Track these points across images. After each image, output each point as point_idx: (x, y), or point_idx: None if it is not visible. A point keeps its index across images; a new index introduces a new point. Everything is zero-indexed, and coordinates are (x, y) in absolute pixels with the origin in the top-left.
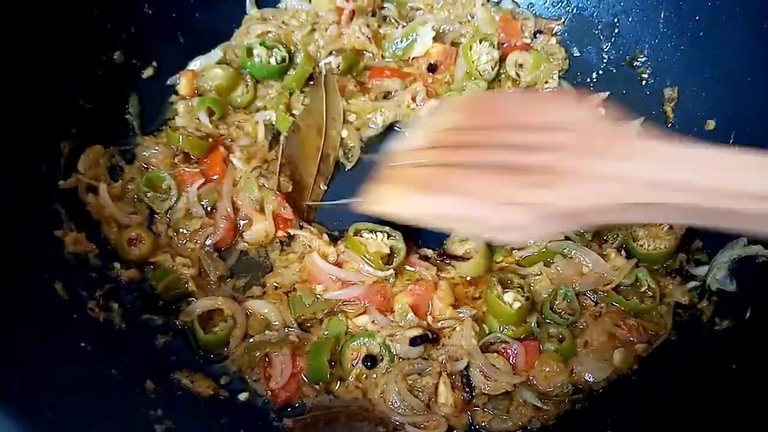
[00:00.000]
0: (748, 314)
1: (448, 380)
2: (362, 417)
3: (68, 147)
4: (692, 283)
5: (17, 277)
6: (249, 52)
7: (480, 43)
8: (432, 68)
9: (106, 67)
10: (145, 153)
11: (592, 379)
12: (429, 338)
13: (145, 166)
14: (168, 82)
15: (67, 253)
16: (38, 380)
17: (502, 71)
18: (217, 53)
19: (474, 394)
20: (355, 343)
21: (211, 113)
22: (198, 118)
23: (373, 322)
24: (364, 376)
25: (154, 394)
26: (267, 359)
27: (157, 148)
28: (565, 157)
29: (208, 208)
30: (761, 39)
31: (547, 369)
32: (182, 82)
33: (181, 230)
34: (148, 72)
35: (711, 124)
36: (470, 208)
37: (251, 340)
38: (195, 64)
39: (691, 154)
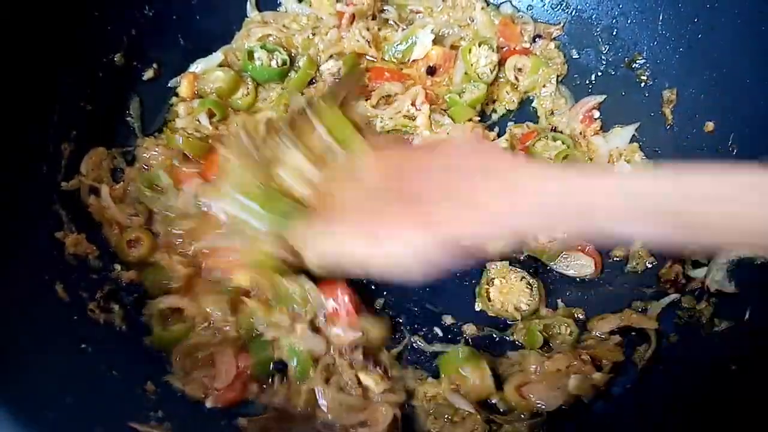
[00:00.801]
0: (747, 315)
1: (360, 367)
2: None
3: (69, 149)
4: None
5: (18, 278)
6: (250, 55)
7: (479, 46)
8: (431, 71)
9: (107, 69)
10: (145, 155)
11: (544, 407)
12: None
13: (146, 167)
14: (169, 84)
15: (67, 255)
16: (39, 381)
17: (501, 75)
18: (218, 56)
19: (386, 368)
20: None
21: (211, 115)
22: (198, 120)
23: None
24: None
25: (155, 395)
26: (211, 359)
27: (157, 149)
28: (458, 195)
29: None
30: (760, 41)
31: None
32: (183, 85)
33: (174, 230)
34: (148, 74)
35: (710, 126)
36: (368, 245)
37: (191, 340)
38: (196, 67)
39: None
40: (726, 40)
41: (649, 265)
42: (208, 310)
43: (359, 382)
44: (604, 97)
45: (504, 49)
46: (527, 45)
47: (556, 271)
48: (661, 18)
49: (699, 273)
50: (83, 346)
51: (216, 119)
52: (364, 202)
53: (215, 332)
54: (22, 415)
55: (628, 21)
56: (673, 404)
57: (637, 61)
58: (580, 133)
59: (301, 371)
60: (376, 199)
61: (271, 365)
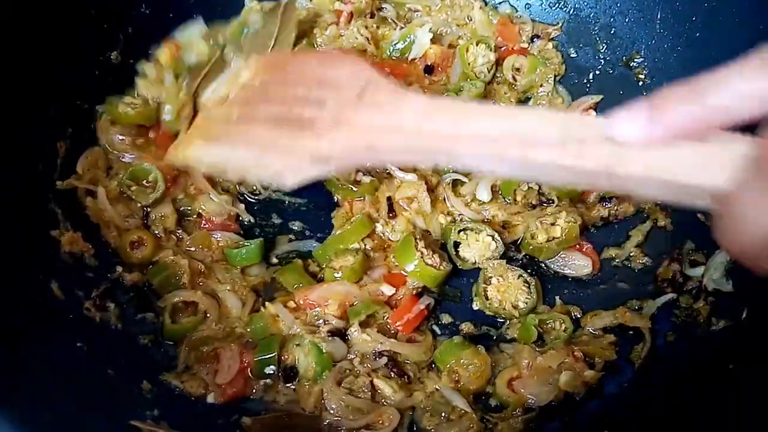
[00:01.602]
0: (744, 314)
1: (378, 374)
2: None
3: (65, 147)
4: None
5: (13, 277)
6: (241, 25)
7: (476, 45)
8: (429, 69)
9: (103, 67)
10: (108, 137)
11: (534, 402)
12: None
13: (116, 153)
14: (149, 51)
15: (63, 253)
16: (34, 381)
17: (498, 75)
18: (201, 26)
19: (410, 377)
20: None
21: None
22: (163, 81)
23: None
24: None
25: (150, 394)
26: (215, 354)
27: (113, 129)
28: (332, 110)
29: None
30: (758, 40)
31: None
32: (164, 52)
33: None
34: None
35: None
36: (256, 156)
37: (196, 334)
38: (179, 36)
39: (437, 105)
40: (724, 38)
41: (648, 264)
42: (228, 305)
43: (372, 387)
44: (601, 96)
45: (502, 49)
46: (525, 45)
47: (554, 270)
48: (659, 16)
49: (696, 272)
50: (79, 344)
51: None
52: (247, 117)
53: (223, 328)
54: (17, 414)
55: (626, 19)
56: (670, 403)
57: (635, 60)
58: None
59: (319, 372)
60: (259, 115)
61: (275, 365)
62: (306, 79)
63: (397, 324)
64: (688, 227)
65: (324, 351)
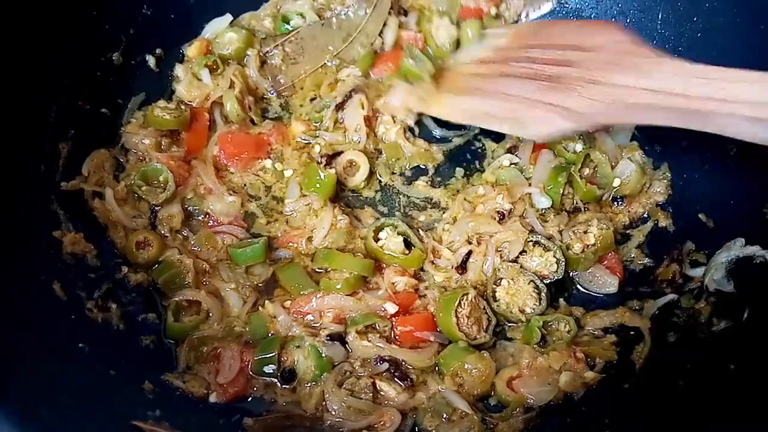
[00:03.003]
0: (746, 315)
1: (382, 377)
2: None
3: (67, 148)
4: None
5: (15, 277)
6: (285, 18)
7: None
8: None
9: (105, 68)
10: (134, 140)
11: (534, 402)
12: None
13: (141, 156)
14: (181, 49)
15: (65, 254)
16: (36, 381)
17: None
18: (227, 17)
19: (413, 380)
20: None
21: (212, 70)
22: (200, 78)
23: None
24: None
25: (152, 394)
26: (216, 354)
27: (142, 133)
28: (586, 70)
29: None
30: (759, 40)
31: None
32: (194, 46)
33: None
34: (146, 72)
35: None
36: (508, 108)
37: (196, 334)
38: (207, 32)
39: (687, 68)
40: (725, 39)
41: (649, 264)
42: (230, 303)
43: (374, 388)
44: None
45: None
46: None
47: (579, 285)
48: (660, 17)
49: (697, 272)
50: (81, 345)
51: (218, 73)
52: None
53: (224, 327)
54: (20, 414)
55: (628, 20)
56: (671, 403)
57: None
58: None
59: (318, 374)
60: (516, 72)
61: (275, 364)
62: (564, 43)
63: (399, 329)
64: (689, 228)
65: (323, 355)
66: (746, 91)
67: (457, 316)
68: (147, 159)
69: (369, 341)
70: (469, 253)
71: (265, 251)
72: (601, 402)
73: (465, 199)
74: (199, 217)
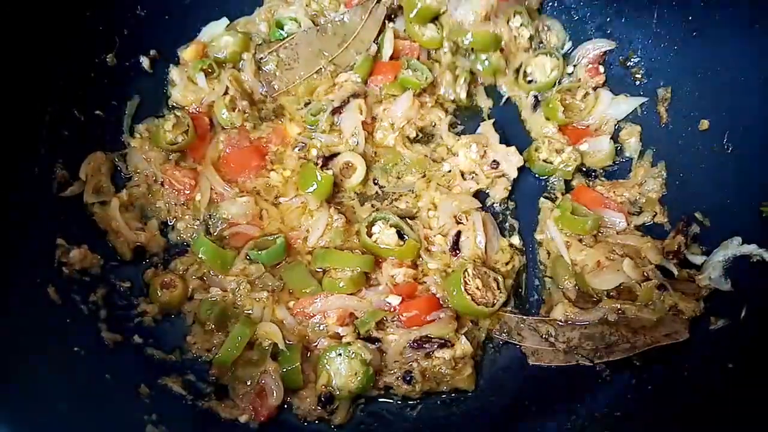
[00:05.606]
0: (743, 313)
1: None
2: None
3: (61, 150)
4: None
5: (10, 282)
6: (279, 24)
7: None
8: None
9: (99, 70)
10: (137, 158)
11: (603, 287)
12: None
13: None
14: (177, 51)
15: (72, 271)
16: (31, 386)
17: None
18: (223, 21)
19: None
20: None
21: (207, 73)
22: (195, 82)
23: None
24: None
25: (149, 398)
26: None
27: (146, 148)
28: None
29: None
30: (753, 38)
31: None
32: (189, 48)
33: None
34: (141, 74)
35: (705, 124)
36: None
37: (240, 367)
38: (203, 36)
39: None
40: (720, 37)
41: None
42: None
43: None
44: (614, 45)
45: None
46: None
47: None
48: (655, 16)
49: (698, 259)
50: (76, 349)
51: (214, 76)
52: None
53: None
54: (14, 420)
55: (623, 19)
56: (670, 401)
57: (632, 60)
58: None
59: (361, 387)
60: None
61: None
62: None
63: (405, 315)
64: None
65: (364, 357)
66: None
67: (468, 293)
68: (154, 179)
69: (394, 334)
70: (458, 233)
71: (285, 250)
72: (599, 402)
73: (438, 184)
74: (220, 227)
